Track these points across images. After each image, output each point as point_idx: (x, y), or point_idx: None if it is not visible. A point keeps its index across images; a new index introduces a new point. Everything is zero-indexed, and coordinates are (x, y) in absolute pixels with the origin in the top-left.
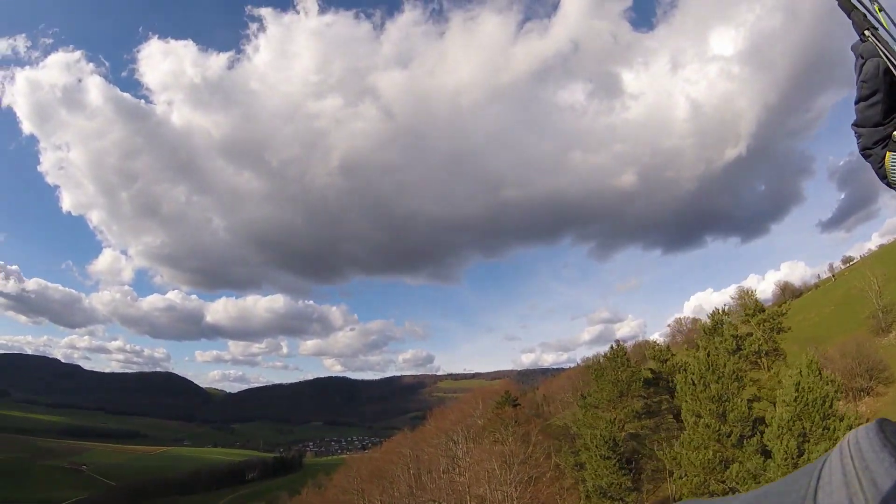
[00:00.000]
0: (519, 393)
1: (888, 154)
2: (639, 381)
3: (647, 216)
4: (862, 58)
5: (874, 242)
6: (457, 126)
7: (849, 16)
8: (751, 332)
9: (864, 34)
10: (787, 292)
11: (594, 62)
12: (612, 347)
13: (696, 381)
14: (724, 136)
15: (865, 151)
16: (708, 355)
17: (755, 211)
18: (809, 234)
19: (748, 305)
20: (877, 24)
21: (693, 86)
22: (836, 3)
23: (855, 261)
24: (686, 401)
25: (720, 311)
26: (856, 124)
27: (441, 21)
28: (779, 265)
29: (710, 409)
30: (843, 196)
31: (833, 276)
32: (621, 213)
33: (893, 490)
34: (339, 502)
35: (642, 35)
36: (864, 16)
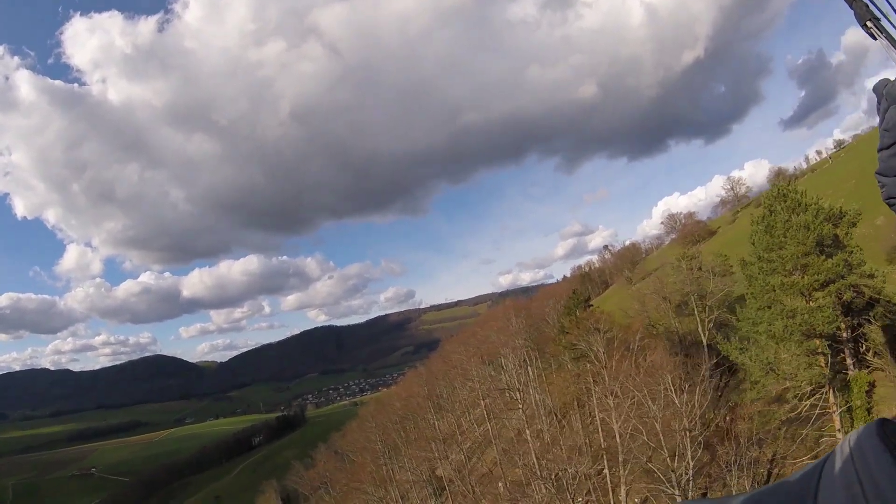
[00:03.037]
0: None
1: None
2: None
3: (610, 126)
4: (886, 101)
5: (836, 138)
6: (408, 56)
7: (850, 5)
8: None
9: (866, 24)
10: (780, 177)
11: None
12: (776, 188)
13: None
14: (681, 40)
15: (891, 200)
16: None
17: (716, 113)
18: (771, 133)
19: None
20: (879, 15)
21: None
22: None
23: (848, 143)
24: None
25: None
26: (879, 173)
27: None
28: (742, 165)
29: None
30: (803, 94)
31: (830, 157)
32: (584, 124)
33: (894, 490)
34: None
35: None
36: (867, 6)
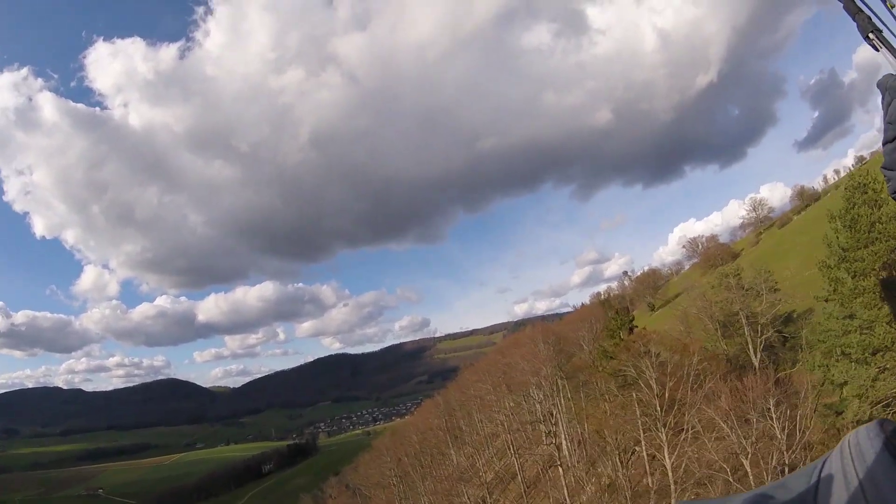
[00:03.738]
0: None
1: None
2: None
3: (625, 152)
4: (889, 95)
5: (850, 158)
6: (425, 82)
7: (853, 18)
8: None
9: (868, 36)
10: (805, 196)
11: (557, 0)
12: (856, 177)
13: None
14: (694, 64)
15: None
16: None
17: (731, 136)
18: (786, 155)
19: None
20: (881, 27)
21: (659, 15)
22: (842, 5)
23: (866, 160)
24: None
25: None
26: (885, 167)
27: None
28: (758, 188)
29: None
30: (816, 114)
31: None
32: (599, 151)
33: (894, 490)
34: None
35: None
36: (869, 18)
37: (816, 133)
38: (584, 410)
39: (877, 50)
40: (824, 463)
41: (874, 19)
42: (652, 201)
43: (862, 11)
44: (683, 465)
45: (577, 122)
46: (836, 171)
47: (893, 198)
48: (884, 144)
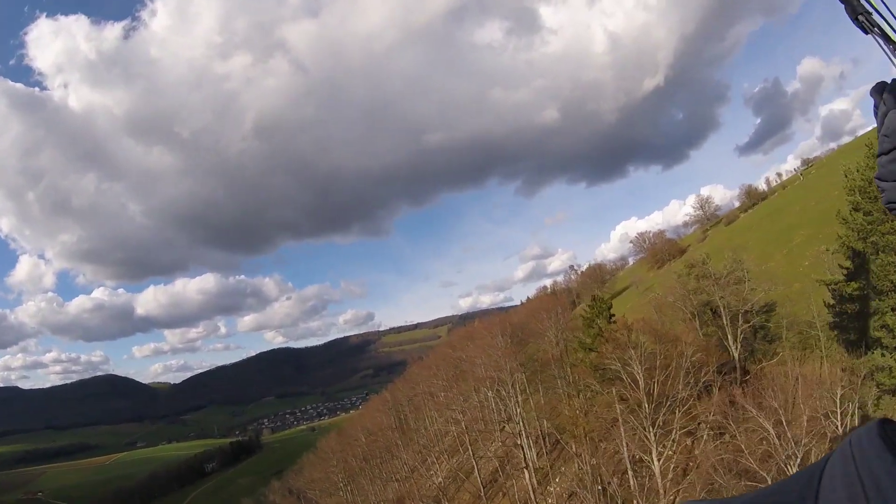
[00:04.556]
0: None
1: None
2: None
3: (570, 150)
4: (885, 104)
5: (790, 164)
6: (373, 74)
7: (842, 0)
8: None
9: (857, 18)
10: (752, 195)
11: None
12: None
13: None
14: (642, 67)
15: (891, 204)
16: None
17: (674, 139)
18: (727, 159)
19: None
20: (870, 9)
21: (610, 18)
22: None
23: (818, 158)
24: None
25: None
26: (879, 178)
27: None
28: (699, 189)
29: None
30: (758, 121)
31: (801, 174)
32: (545, 148)
33: (895, 490)
34: None
35: None
36: (859, 0)
37: (758, 138)
38: (545, 406)
39: (866, 32)
40: (826, 463)
41: (863, 1)
42: (595, 199)
43: None
44: (673, 467)
45: (525, 120)
46: (779, 174)
47: (888, 208)
48: (878, 156)
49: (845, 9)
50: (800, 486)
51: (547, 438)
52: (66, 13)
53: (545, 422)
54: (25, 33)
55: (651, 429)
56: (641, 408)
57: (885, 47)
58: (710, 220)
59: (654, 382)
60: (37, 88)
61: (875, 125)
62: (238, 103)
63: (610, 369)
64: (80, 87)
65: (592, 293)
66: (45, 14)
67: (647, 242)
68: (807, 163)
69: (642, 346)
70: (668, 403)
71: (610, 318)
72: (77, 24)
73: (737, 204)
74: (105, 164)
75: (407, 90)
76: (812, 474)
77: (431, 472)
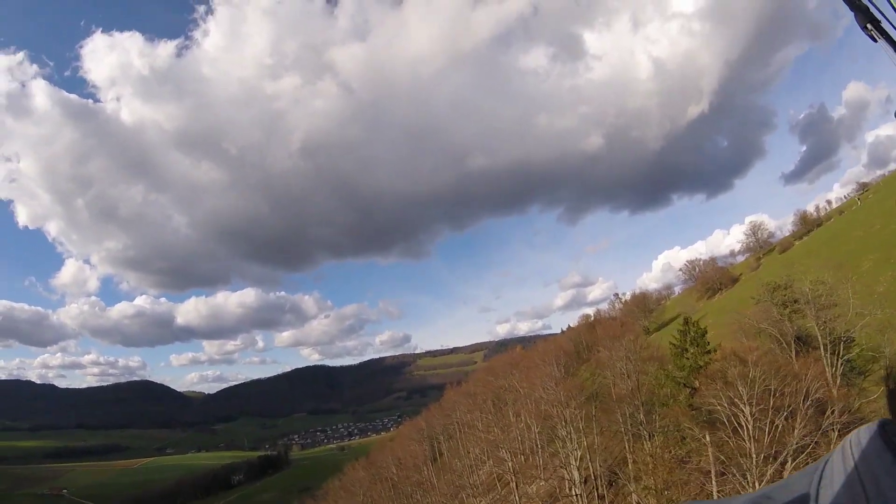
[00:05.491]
0: None
1: None
2: None
3: (614, 178)
4: None
5: (836, 193)
6: (419, 97)
7: (851, 8)
8: None
9: (866, 27)
10: (807, 222)
11: (555, 24)
12: None
13: None
14: (687, 94)
15: None
16: None
17: (719, 167)
18: (772, 187)
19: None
20: (880, 17)
21: (655, 44)
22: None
23: (874, 182)
24: None
25: None
26: None
27: None
28: (743, 219)
29: None
30: (804, 148)
31: (858, 198)
32: (588, 175)
33: (895, 490)
34: None
35: None
36: (867, 8)
37: (803, 166)
38: (600, 446)
39: (875, 41)
40: (826, 463)
41: (872, 10)
42: (638, 228)
43: (860, 1)
44: None
45: (568, 146)
46: (829, 202)
47: None
48: None
49: (855, 17)
50: (800, 486)
51: (601, 480)
52: (121, 30)
53: (598, 462)
54: (81, 46)
55: (757, 484)
56: (747, 457)
57: (894, 56)
58: (762, 247)
59: (768, 427)
60: (90, 100)
61: None
62: (285, 122)
63: (706, 410)
64: (132, 100)
65: (684, 317)
66: (100, 29)
67: (697, 271)
68: (864, 187)
69: (758, 383)
70: (782, 454)
71: (705, 347)
72: (131, 41)
73: (789, 231)
74: (153, 176)
75: (451, 114)
76: (812, 474)
77: None
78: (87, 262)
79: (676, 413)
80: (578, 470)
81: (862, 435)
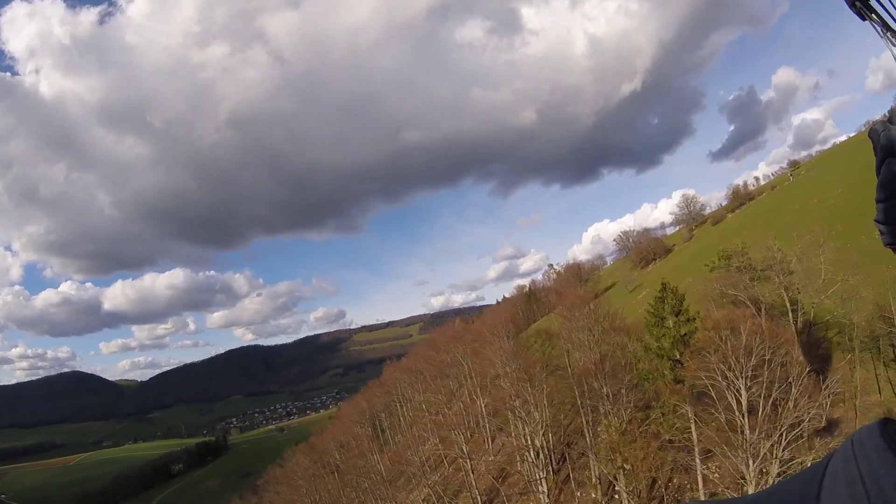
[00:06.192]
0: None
1: None
2: None
3: (546, 152)
4: (881, 152)
5: (762, 171)
6: (354, 69)
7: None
8: None
9: (854, 5)
10: (739, 196)
11: None
12: None
13: None
14: (621, 72)
15: (892, 245)
16: None
17: (649, 143)
18: (700, 164)
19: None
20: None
21: (592, 22)
22: None
23: (802, 163)
24: None
25: None
26: (877, 221)
27: None
28: (671, 194)
29: None
30: (732, 128)
31: (791, 174)
32: (522, 150)
33: None
34: None
35: None
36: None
37: (731, 145)
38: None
39: (863, 19)
40: (828, 462)
41: (871, 1)
42: (568, 201)
43: None
44: None
45: (503, 121)
46: (756, 178)
47: (890, 247)
48: (876, 202)
49: (849, 6)
50: (802, 486)
51: (552, 455)
52: None
53: (550, 436)
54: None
55: (752, 462)
56: (740, 434)
57: (882, 34)
58: (694, 219)
59: (761, 402)
60: (8, 73)
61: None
62: (213, 94)
63: (690, 384)
64: (53, 72)
65: (661, 283)
66: None
67: (630, 241)
68: (794, 164)
69: (755, 354)
70: (777, 430)
71: (687, 315)
72: (52, 8)
73: (718, 205)
74: (75, 154)
75: (387, 87)
76: (814, 474)
77: (412, 487)
78: (8, 248)
79: (665, 388)
80: (534, 446)
81: (864, 434)
